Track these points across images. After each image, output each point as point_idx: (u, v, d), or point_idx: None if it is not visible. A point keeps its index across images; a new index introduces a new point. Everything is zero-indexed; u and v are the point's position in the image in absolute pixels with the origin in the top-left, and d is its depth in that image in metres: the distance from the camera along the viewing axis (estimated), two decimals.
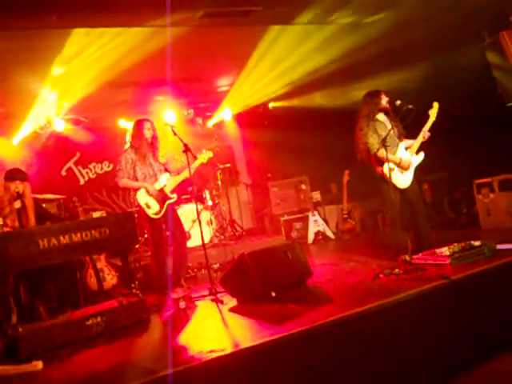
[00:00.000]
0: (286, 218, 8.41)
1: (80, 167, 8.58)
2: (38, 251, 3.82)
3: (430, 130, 5.19)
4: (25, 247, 3.76)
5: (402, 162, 5.13)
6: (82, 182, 8.59)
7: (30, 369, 3.31)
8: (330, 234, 8.12)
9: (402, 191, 5.15)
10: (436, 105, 5.18)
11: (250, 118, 9.55)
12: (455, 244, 4.62)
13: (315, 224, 8.10)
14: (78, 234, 4.06)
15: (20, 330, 3.62)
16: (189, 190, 7.47)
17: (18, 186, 4.55)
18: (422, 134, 5.19)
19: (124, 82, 6.86)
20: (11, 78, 5.71)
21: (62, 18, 4.42)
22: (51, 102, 7.29)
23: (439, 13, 5.62)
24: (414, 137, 5.27)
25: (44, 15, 4.36)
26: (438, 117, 5.16)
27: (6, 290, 3.90)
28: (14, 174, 4.67)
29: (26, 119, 7.67)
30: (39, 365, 3.34)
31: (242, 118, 9.71)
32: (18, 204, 4.53)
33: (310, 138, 8.30)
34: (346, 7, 5.31)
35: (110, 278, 5.98)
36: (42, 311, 4.48)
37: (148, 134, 5.32)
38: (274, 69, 7.22)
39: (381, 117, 5.24)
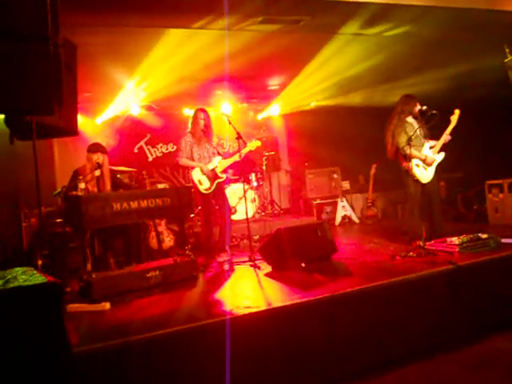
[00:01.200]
0: (318, 201, 8.38)
1: (149, 146, 8.72)
2: (111, 213, 3.92)
3: (450, 134, 5.10)
4: (101, 209, 3.86)
5: (428, 159, 5.05)
6: (150, 158, 8.74)
7: (100, 308, 3.44)
8: (354, 218, 8.05)
9: (423, 185, 5.05)
10: (457, 111, 5.08)
11: (294, 114, 9.46)
12: (464, 235, 4.49)
13: (343, 209, 8.04)
14: (145, 201, 4.15)
15: (93, 276, 3.75)
16: (229, 172, 7.54)
17: (99, 157, 4.66)
18: (444, 136, 5.11)
19: (191, 77, 6.90)
20: (100, 67, 5.82)
21: (138, 17, 4.45)
22: (131, 91, 7.41)
23: (463, 28, 5.35)
24: (436, 138, 5.17)
25: (133, 14, 4.40)
26: (458, 122, 5.04)
27: (84, 243, 4.03)
28: (96, 147, 4.78)
29: (108, 104, 7.86)
30: (107, 305, 3.46)
31: (287, 114, 9.63)
32: (97, 172, 4.64)
33: (344, 134, 8.18)
34: (385, 21, 5.12)
35: (168, 240, 6.11)
36: (112, 262, 4.63)
37: (202, 122, 5.35)
38: (321, 72, 7.09)
39: (410, 119, 5.13)
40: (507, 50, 6.03)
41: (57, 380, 2.17)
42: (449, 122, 5.09)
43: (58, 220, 4.96)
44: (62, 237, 4.56)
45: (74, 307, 3.45)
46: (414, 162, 4.95)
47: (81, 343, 2.64)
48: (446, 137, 5.10)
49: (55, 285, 2.22)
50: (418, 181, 4.99)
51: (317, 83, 7.68)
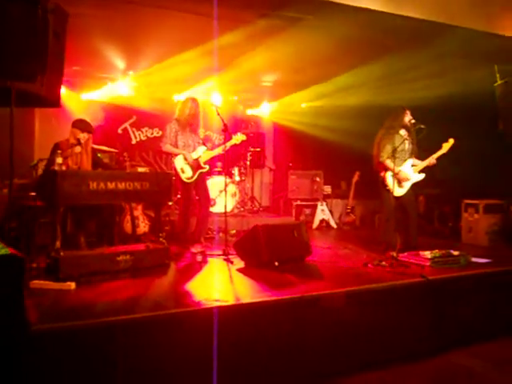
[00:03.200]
0: (299, 202, 8.38)
1: (134, 129, 8.58)
2: (87, 191, 3.84)
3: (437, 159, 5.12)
4: (77, 186, 3.77)
5: (400, 174, 5.07)
6: (133, 141, 8.60)
7: (65, 287, 3.36)
8: (332, 223, 8.07)
9: (398, 198, 5.09)
10: (451, 140, 5.09)
11: (284, 113, 9.44)
12: (437, 250, 4.56)
13: (322, 212, 8.06)
14: (123, 183, 4.07)
15: (62, 253, 3.66)
16: (218, 165, 7.50)
17: (84, 137, 4.57)
18: (429, 159, 5.13)
19: (184, 63, 6.80)
20: (92, 42, 5.67)
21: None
22: (120, 69, 7.27)
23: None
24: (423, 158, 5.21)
25: None
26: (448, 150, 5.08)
27: (55, 219, 3.92)
28: (85, 126, 4.65)
29: (96, 80, 7.69)
30: (72, 285, 3.39)
31: (277, 112, 9.61)
32: (78, 149, 4.54)
33: (331, 140, 8.22)
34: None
35: (143, 226, 6.02)
36: (83, 242, 4.52)
37: (190, 110, 5.28)
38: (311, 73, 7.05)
39: (402, 132, 5.14)
40: (497, 75, 6.09)
41: (9, 356, 2.10)
42: (436, 142, 5.11)
43: (31, 193, 4.83)
44: (32, 211, 4.44)
45: (37, 283, 3.36)
46: (389, 173, 4.99)
47: (40, 321, 2.56)
48: (431, 160, 5.12)
49: (17, 258, 2.14)
50: (391, 193, 5.00)
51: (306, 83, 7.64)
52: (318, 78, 7.18)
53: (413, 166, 5.18)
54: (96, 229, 4.68)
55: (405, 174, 5.09)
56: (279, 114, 9.51)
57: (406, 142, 5.11)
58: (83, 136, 4.54)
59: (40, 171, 4.20)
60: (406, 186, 5.13)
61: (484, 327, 4.11)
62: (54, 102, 3.08)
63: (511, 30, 5.19)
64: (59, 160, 4.08)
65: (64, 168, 4.25)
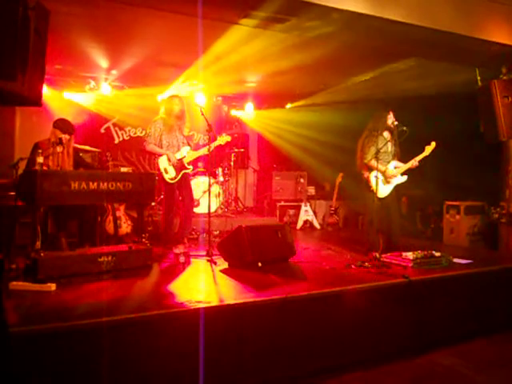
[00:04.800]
0: (282, 203, 8.41)
1: (117, 128, 8.50)
2: (68, 191, 3.79)
3: (419, 161, 5.16)
4: (58, 185, 3.73)
5: (387, 172, 5.13)
6: (116, 141, 8.51)
7: (45, 289, 3.32)
8: (316, 224, 8.12)
9: (381, 199, 5.13)
10: (433, 144, 5.12)
11: (268, 114, 9.45)
12: (419, 251, 4.62)
13: (305, 213, 8.10)
14: (105, 183, 4.03)
15: (42, 254, 3.60)
16: (199, 165, 7.48)
17: (66, 138, 4.52)
18: (412, 161, 5.16)
19: (166, 62, 6.77)
20: (74, 40, 5.60)
21: None
22: (103, 68, 7.19)
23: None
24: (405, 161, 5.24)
25: None
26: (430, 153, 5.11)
27: (35, 219, 3.87)
28: (67, 127, 4.60)
29: (78, 79, 7.60)
30: (53, 287, 3.35)
31: (261, 113, 9.61)
32: (60, 149, 4.49)
33: (315, 142, 8.29)
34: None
35: (126, 227, 5.97)
36: (64, 243, 4.47)
37: (176, 109, 5.26)
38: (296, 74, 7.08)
39: (385, 134, 5.19)
40: (478, 78, 6.19)
41: None
42: (422, 150, 5.14)
43: (11, 193, 4.75)
44: (12, 211, 4.37)
45: (17, 285, 3.31)
46: (374, 174, 5.00)
47: (20, 323, 2.53)
48: (414, 162, 5.15)
49: None
50: (375, 194, 5.06)
51: (292, 84, 7.67)
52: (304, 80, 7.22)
53: (395, 168, 5.22)
54: (77, 229, 4.62)
55: (391, 171, 5.15)
56: (264, 114, 9.51)
57: (389, 143, 5.16)
58: (64, 137, 4.50)
59: (20, 171, 4.12)
60: (390, 187, 5.18)
61: (465, 327, 4.18)
62: (36, 100, 3.03)
63: (494, 35, 5.28)
64: (40, 159, 4.02)
65: (45, 168, 4.20)
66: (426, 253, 4.58)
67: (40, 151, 4.13)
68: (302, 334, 3.30)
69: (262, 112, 9.37)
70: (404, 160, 5.26)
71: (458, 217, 6.62)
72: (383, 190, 5.14)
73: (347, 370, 3.36)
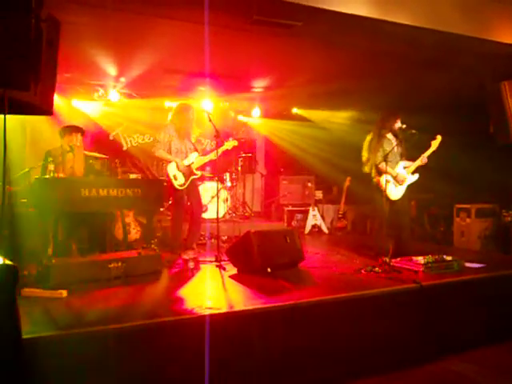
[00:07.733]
0: (290, 208, 8.40)
1: (126, 135, 8.57)
2: (79, 198, 3.85)
3: (428, 157, 5.14)
4: (69, 193, 3.79)
5: (399, 177, 5.12)
6: (125, 147, 8.58)
7: (56, 295, 3.35)
8: (324, 228, 8.10)
9: (392, 202, 5.12)
10: (439, 137, 5.11)
11: (275, 118, 9.48)
12: (430, 255, 4.57)
13: (313, 218, 8.08)
14: (115, 190, 4.09)
15: (53, 261, 3.65)
16: (207, 170, 7.53)
17: (78, 139, 4.57)
18: (421, 158, 5.15)
19: (175, 69, 6.82)
20: (83, 49, 5.67)
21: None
22: (111, 76, 7.26)
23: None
24: (414, 158, 5.22)
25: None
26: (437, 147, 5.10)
27: (47, 226, 3.91)
28: (76, 128, 4.67)
29: (87, 87, 7.68)
30: (64, 293, 3.38)
31: (268, 118, 9.64)
32: (70, 156, 4.53)
33: (322, 145, 8.28)
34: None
35: (135, 232, 6.00)
36: (74, 249, 4.51)
37: (187, 116, 5.30)
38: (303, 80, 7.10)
39: (390, 136, 5.19)
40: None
41: (4, 366, 2.08)
42: (429, 145, 5.14)
43: (23, 200, 4.81)
44: (24, 218, 4.41)
45: (29, 291, 3.35)
46: (385, 177, 4.97)
47: (32, 330, 2.55)
48: (422, 159, 5.14)
49: (9, 267, 2.13)
50: (386, 197, 5.04)
51: (298, 89, 7.69)
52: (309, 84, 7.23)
53: (405, 167, 5.21)
54: (88, 236, 4.66)
55: (402, 175, 5.14)
56: (271, 118, 9.53)
57: (395, 144, 5.14)
58: (75, 138, 4.54)
59: (32, 179, 4.18)
60: (402, 188, 5.16)
61: (478, 333, 4.11)
62: (47, 110, 3.08)
63: (503, 36, 5.26)
64: (51, 167, 4.08)
65: (56, 175, 4.25)
66: (437, 257, 4.53)
67: (51, 159, 4.18)
68: (315, 340, 3.29)
69: (269, 121, 9.39)
70: (411, 159, 5.25)
71: (468, 220, 6.57)
72: (396, 192, 5.13)
73: (359, 377, 3.34)
